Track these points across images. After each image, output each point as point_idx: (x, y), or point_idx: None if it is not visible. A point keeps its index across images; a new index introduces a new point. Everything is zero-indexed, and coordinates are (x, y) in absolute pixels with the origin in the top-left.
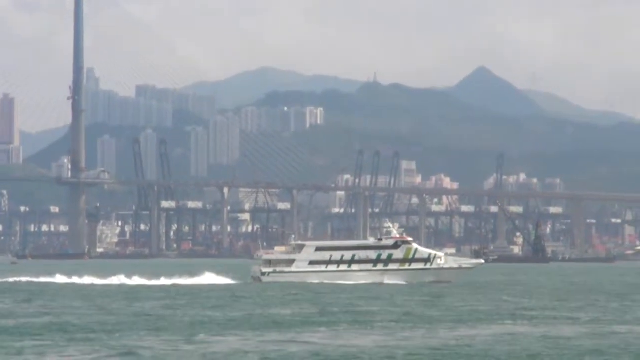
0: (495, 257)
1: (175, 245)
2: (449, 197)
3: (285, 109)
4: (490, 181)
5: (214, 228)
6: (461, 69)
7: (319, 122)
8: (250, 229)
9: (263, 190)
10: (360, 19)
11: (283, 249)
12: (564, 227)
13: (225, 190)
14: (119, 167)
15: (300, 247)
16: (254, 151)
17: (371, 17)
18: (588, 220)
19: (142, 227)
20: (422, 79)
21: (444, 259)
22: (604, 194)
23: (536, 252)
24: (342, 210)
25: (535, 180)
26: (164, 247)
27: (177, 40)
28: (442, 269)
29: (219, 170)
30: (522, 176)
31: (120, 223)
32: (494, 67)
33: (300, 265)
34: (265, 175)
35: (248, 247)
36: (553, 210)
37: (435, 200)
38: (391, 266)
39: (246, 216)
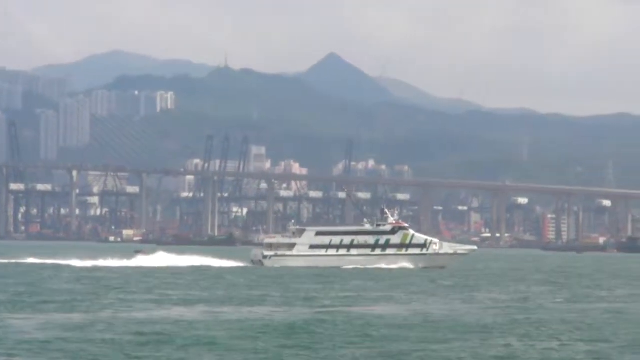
0: None
1: (23, 228)
2: (298, 182)
3: (136, 92)
4: (339, 167)
5: (63, 211)
6: (312, 54)
7: (169, 106)
8: (98, 212)
9: (112, 173)
10: (211, 3)
11: (131, 232)
12: (412, 214)
13: (74, 173)
14: None
15: (301, 232)
16: (104, 135)
17: (223, 1)
18: (435, 207)
19: None
20: (273, 64)
21: (439, 244)
22: (451, 181)
23: None
24: (191, 195)
25: (383, 167)
26: (12, 230)
27: (27, 22)
28: (439, 254)
29: (69, 153)
30: (371, 163)
31: None
32: (345, 53)
33: (301, 249)
34: (115, 158)
35: (96, 230)
36: (401, 196)
37: (284, 185)
38: (389, 251)
39: (95, 199)
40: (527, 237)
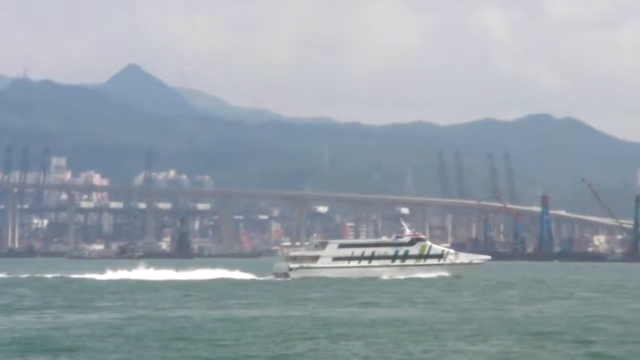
0: (141, 254)
1: None
2: (98, 193)
3: None
4: (140, 178)
5: None
6: (112, 65)
7: None
8: None
9: None
10: (8, 12)
11: None
12: (212, 223)
13: None
14: None
15: (324, 244)
16: None
17: (20, 11)
18: (236, 217)
19: None
20: (72, 75)
21: (454, 255)
22: (251, 191)
23: (181, 248)
24: None
25: (184, 177)
26: None
27: None
28: (455, 264)
29: None
30: (172, 173)
31: None
32: (145, 64)
33: (325, 261)
34: None
35: None
36: (201, 206)
37: (85, 196)
38: (408, 262)
39: None
40: None
